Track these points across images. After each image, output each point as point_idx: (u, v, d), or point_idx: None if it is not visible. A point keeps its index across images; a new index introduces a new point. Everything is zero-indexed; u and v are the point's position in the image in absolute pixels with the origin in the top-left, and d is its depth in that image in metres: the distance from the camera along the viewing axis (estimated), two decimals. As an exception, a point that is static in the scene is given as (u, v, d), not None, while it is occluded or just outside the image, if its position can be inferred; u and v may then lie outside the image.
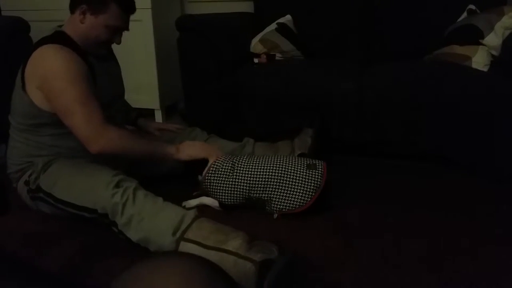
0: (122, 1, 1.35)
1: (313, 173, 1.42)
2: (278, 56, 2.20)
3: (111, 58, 1.60)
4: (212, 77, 2.04)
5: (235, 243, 1.10)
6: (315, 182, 1.41)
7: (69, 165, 1.36)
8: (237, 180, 1.44)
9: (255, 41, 2.26)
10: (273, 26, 2.29)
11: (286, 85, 1.94)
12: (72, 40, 1.36)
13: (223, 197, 1.46)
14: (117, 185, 1.24)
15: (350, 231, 1.35)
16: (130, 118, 1.78)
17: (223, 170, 1.46)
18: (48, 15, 2.46)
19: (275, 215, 1.44)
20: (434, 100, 1.75)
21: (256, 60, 2.18)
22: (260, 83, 1.99)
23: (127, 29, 1.44)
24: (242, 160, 1.49)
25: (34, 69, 1.30)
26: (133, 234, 1.20)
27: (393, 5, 2.27)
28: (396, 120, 1.82)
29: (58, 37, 1.34)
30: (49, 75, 1.27)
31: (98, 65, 1.43)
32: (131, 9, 1.40)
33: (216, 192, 1.47)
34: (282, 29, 2.27)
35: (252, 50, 2.25)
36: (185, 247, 1.12)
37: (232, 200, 1.46)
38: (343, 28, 2.31)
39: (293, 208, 1.41)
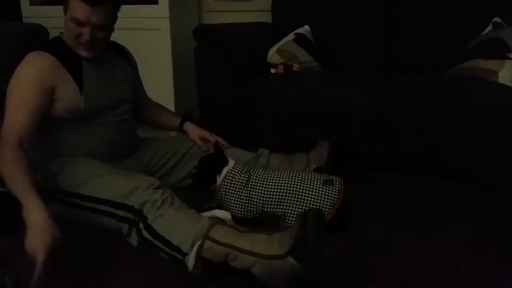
0: None
1: (330, 189, 1.37)
2: (295, 67, 2.17)
3: (118, 61, 1.58)
4: (228, 87, 2.02)
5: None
6: (332, 198, 1.36)
7: (96, 165, 1.38)
8: (251, 193, 1.41)
9: (272, 51, 2.23)
10: (291, 36, 2.26)
11: (303, 97, 1.90)
12: (63, 43, 1.43)
13: (237, 210, 1.42)
14: (158, 187, 1.29)
15: (368, 249, 1.30)
16: (174, 124, 1.76)
17: (238, 182, 1.43)
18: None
19: None
20: (456, 116, 1.69)
21: (273, 71, 2.15)
22: (277, 94, 1.95)
23: (93, 24, 1.36)
24: (258, 173, 1.45)
25: None
26: (162, 224, 1.20)
27: (415, 17, 2.21)
28: (415, 135, 1.77)
29: (51, 43, 1.45)
30: (14, 75, 1.37)
31: (92, 70, 1.44)
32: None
33: (230, 204, 1.43)
34: (300, 40, 2.23)
35: (269, 60, 2.22)
36: (219, 230, 1.15)
37: (245, 214, 1.42)
38: (363, 40, 2.27)
39: None
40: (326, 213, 1.35)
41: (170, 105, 2.50)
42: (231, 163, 1.48)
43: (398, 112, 1.77)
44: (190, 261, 1.13)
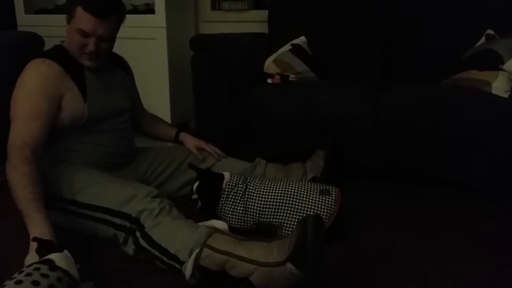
0: (85, 3, 1.34)
1: (327, 199, 1.37)
2: (291, 77, 2.18)
3: (118, 71, 1.59)
4: (224, 97, 2.02)
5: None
6: (329, 208, 1.35)
7: (94, 173, 1.38)
8: (248, 204, 1.40)
9: (268, 61, 2.24)
10: (287, 47, 2.27)
11: (300, 107, 1.91)
12: (66, 51, 1.43)
13: (234, 221, 1.41)
14: (156, 196, 1.29)
15: (367, 257, 1.30)
16: (169, 135, 1.76)
17: (235, 193, 1.42)
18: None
19: None
20: (452, 126, 1.70)
21: (269, 81, 2.16)
22: (273, 104, 1.96)
23: (98, 35, 1.37)
24: (254, 183, 1.44)
25: None
26: (159, 233, 1.19)
27: (411, 28, 2.24)
28: (412, 144, 1.78)
29: (52, 51, 1.44)
30: (18, 83, 1.36)
31: (94, 79, 1.45)
32: (95, 11, 1.34)
33: (227, 215, 1.42)
34: (296, 50, 2.25)
35: (265, 70, 2.23)
36: (218, 238, 1.14)
37: (242, 224, 1.41)
38: (359, 50, 2.29)
39: None
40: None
41: (166, 114, 2.50)
42: (226, 175, 1.47)
43: (395, 121, 1.78)
44: (188, 270, 1.11)
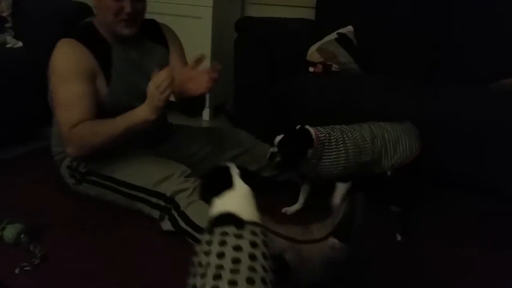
0: None
1: (407, 124, 1.47)
2: (334, 67, 2.12)
3: (154, 48, 1.51)
4: (265, 82, 2.00)
5: None
6: (414, 129, 1.47)
7: (131, 151, 1.40)
8: (348, 149, 1.41)
9: (312, 49, 2.18)
10: (333, 35, 2.20)
11: (339, 99, 1.86)
12: (94, 29, 1.38)
13: (340, 166, 1.41)
14: (189, 176, 1.32)
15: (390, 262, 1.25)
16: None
17: (335, 140, 1.43)
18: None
19: (389, 172, 1.42)
20: (496, 135, 1.63)
21: (311, 69, 2.11)
22: (313, 94, 1.92)
23: None
24: (346, 130, 1.46)
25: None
26: (194, 210, 1.23)
27: (468, 25, 2.08)
28: (454, 149, 1.71)
29: (80, 29, 1.40)
30: (50, 71, 1.35)
31: (122, 61, 1.40)
32: None
33: (330, 165, 1.41)
34: (342, 40, 2.18)
35: (308, 58, 2.18)
36: None
37: (346, 167, 1.41)
38: (408, 46, 2.17)
39: (406, 158, 1.41)
40: (417, 143, 1.44)
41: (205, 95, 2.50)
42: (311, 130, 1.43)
43: (437, 124, 1.71)
44: None
